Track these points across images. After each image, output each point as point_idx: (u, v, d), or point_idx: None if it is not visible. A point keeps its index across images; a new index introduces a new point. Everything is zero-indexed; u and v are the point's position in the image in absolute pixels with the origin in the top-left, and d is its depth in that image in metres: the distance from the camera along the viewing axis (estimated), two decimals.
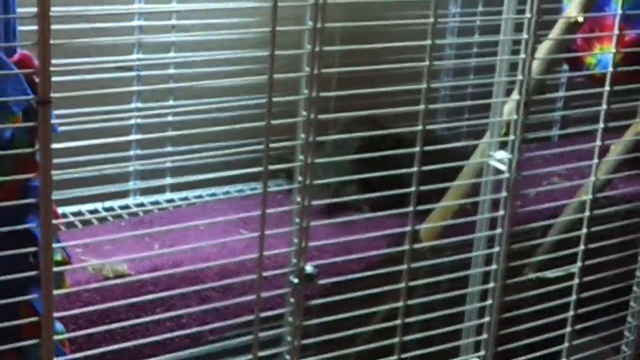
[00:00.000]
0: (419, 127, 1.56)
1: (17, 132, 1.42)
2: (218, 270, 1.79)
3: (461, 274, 1.77)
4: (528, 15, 1.63)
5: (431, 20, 1.52)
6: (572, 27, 1.84)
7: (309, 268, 1.56)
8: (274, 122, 1.43)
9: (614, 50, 1.82)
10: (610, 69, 1.81)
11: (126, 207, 2.07)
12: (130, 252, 1.79)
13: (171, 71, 2.04)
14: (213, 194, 2.17)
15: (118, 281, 1.57)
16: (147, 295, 1.62)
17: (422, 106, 1.56)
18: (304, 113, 1.47)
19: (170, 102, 2.07)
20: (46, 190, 1.29)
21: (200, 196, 2.15)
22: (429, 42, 1.53)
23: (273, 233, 1.50)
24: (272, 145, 1.45)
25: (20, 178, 1.38)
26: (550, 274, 1.95)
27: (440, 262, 1.74)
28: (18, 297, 1.40)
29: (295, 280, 1.55)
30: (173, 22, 2.07)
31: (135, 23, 2.03)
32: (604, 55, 2.27)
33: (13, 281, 1.38)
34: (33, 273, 1.35)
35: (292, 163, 1.51)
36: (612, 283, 2.00)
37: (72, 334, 1.44)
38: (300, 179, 1.51)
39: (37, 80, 1.40)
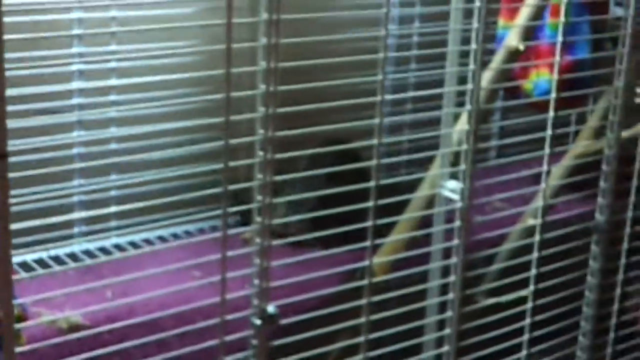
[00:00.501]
0: (374, 142, 1.56)
1: None
2: (175, 316, 1.75)
3: (419, 304, 1.77)
4: (474, 46, 1.65)
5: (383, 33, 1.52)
6: (513, 55, 1.87)
7: (270, 308, 1.55)
8: (231, 163, 1.42)
9: (555, 76, 1.85)
10: (553, 95, 1.84)
11: (72, 255, 2.02)
12: (83, 301, 1.74)
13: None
14: (160, 237, 2.14)
15: (76, 335, 1.53)
16: (106, 346, 1.59)
17: (377, 120, 1.56)
18: (261, 153, 1.46)
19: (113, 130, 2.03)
20: (5, 247, 1.25)
21: (147, 240, 2.11)
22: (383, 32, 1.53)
23: (234, 275, 1.49)
24: (230, 187, 1.43)
25: None
26: (503, 299, 1.96)
27: (398, 294, 1.73)
28: None
29: (258, 322, 1.54)
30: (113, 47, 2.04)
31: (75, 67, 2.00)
32: (539, 81, 2.32)
33: None
34: None
35: (249, 204, 1.50)
36: (562, 305, 2.03)
37: None
38: (259, 219, 1.50)
39: None
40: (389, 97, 1.73)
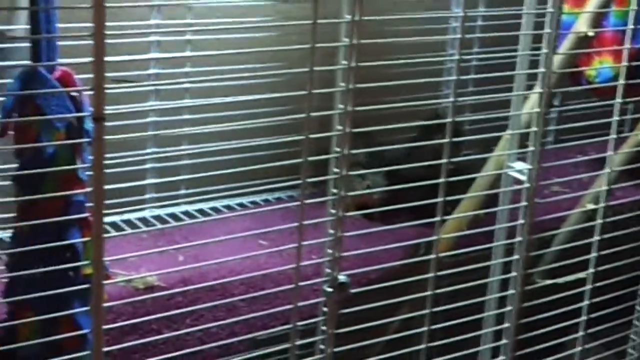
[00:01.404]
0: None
1: (59, 149, 1.44)
2: (244, 281, 1.82)
3: (481, 281, 1.82)
4: (548, 30, 1.68)
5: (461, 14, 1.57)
6: (582, 41, 1.90)
7: (342, 277, 1.60)
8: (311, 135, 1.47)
9: (624, 63, 1.88)
10: (621, 81, 1.87)
11: (143, 219, 2.09)
12: (157, 264, 1.81)
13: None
14: (227, 206, 2.20)
15: (156, 294, 1.59)
16: (179, 307, 1.66)
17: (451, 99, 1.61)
18: (339, 127, 1.51)
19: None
20: (99, 205, 1.31)
21: (215, 208, 2.18)
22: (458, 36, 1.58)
23: (309, 243, 1.54)
24: (310, 158, 1.48)
25: (67, 194, 1.41)
26: (561, 280, 2.00)
27: (462, 270, 1.78)
28: (64, 311, 1.43)
29: (330, 290, 1.59)
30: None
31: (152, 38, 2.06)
32: (602, 68, 2.34)
33: (54, 296, 1.40)
34: (83, 287, 1.38)
35: (327, 176, 1.55)
36: (618, 289, 2.06)
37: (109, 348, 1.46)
38: (334, 190, 1.55)
39: (76, 96, 1.45)
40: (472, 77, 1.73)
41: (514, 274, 1.80)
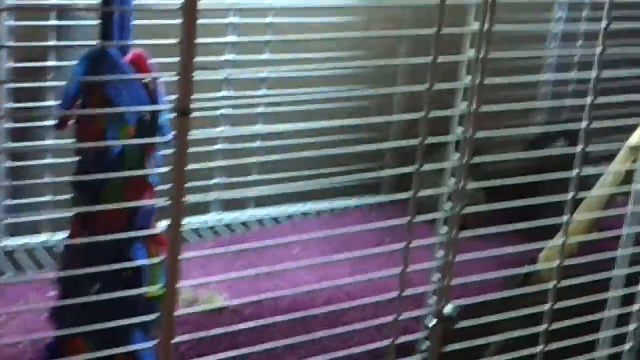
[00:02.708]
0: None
1: (128, 147, 1.21)
2: (324, 301, 1.57)
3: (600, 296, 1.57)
4: None
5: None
6: None
7: (448, 308, 1.36)
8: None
9: None
10: None
11: (205, 223, 1.84)
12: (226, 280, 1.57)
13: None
14: (302, 212, 1.94)
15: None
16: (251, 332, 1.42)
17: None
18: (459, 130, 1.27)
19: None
20: (177, 218, 1.07)
21: (290, 215, 1.92)
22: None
23: (415, 269, 1.30)
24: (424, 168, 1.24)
25: (140, 204, 1.17)
26: None
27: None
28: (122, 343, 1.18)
29: (433, 322, 1.35)
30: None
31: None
32: None
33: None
34: (150, 317, 1.14)
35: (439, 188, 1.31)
36: None
37: None
38: (447, 206, 1.30)
39: (150, 84, 1.21)
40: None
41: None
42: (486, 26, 1.21)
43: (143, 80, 1.19)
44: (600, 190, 1.69)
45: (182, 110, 1.03)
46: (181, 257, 1.10)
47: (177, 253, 1.09)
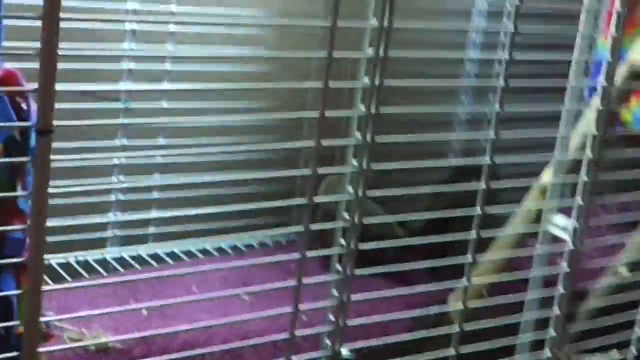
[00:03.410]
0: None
1: None
2: (221, 342, 1.48)
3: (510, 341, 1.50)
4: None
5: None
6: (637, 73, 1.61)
7: (345, 352, 1.28)
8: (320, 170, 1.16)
9: None
10: None
11: (102, 261, 1.74)
12: (114, 318, 1.48)
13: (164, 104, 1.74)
14: (203, 249, 1.85)
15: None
16: None
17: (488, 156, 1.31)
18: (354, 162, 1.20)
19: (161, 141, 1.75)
20: (38, 244, 0.98)
21: (188, 251, 1.83)
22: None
23: (308, 309, 1.22)
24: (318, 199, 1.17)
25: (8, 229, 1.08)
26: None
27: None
28: None
29: None
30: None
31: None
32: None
33: None
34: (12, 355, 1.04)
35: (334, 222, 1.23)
36: None
37: None
38: (343, 241, 1.23)
39: (22, 103, 1.12)
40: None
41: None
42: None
43: (13, 98, 1.11)
44: (510, 229, 1.64)
45: (43, 129, 0.95)
46: (46, 289, 1.02)
47: (39, 284, 1.00)
